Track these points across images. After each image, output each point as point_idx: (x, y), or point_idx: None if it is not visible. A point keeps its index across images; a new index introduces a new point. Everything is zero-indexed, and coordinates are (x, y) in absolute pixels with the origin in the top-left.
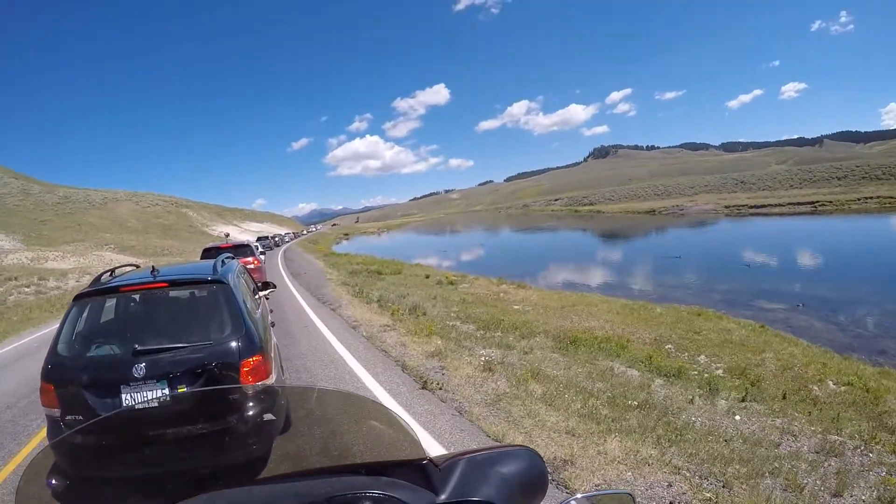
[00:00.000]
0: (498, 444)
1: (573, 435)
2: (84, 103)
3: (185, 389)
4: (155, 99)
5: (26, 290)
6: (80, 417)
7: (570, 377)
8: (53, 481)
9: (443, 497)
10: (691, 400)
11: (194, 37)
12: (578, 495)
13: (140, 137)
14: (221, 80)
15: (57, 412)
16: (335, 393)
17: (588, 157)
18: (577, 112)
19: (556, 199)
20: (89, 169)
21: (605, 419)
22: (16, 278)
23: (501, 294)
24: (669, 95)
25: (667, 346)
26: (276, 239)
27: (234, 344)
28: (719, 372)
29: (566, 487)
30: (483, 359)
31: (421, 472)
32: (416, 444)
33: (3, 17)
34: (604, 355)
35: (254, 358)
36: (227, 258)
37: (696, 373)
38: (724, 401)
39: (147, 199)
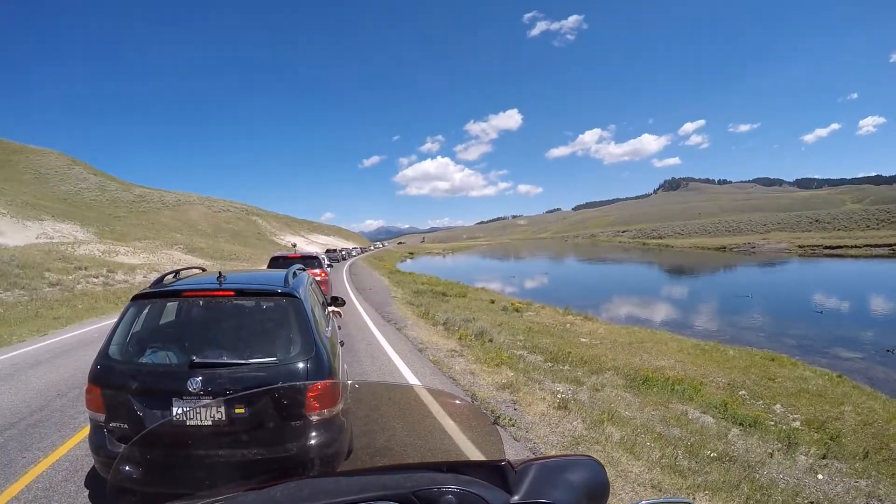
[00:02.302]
0: (565, 453)
1: (660, 490)
2: (166, 110)
3: (242, 411)
4: (232, 109)
5: (94, 280)
6: (126, 426)
7: (644, 420)
8: (141, 467)
9: (516, 498)
10: (771, 454)
11: (275, 53)
12: (641, 502)
13: (216, 145)
14: (300, 96)
15: (101, 417)
16: (424, 389)
17: (658, 188)
18: (649, 142)
19: (624, 231)
20: (165, 171)
21: (687, 472)
22: (86, 268)
23: (568, 325)
24: (743, 128)
25: (740, 392)
26: (343, 253)
27: (301, 365)
28: (796, 424)
29: None
30: (559, 396)
31: (499, 472)
32: (497, 444)
33: (89, 26)
34: (677, 398)
35: (322, 382)
36: (298, 269)
37: (772, 423)
38: (803, 456)
39: (218, 204)
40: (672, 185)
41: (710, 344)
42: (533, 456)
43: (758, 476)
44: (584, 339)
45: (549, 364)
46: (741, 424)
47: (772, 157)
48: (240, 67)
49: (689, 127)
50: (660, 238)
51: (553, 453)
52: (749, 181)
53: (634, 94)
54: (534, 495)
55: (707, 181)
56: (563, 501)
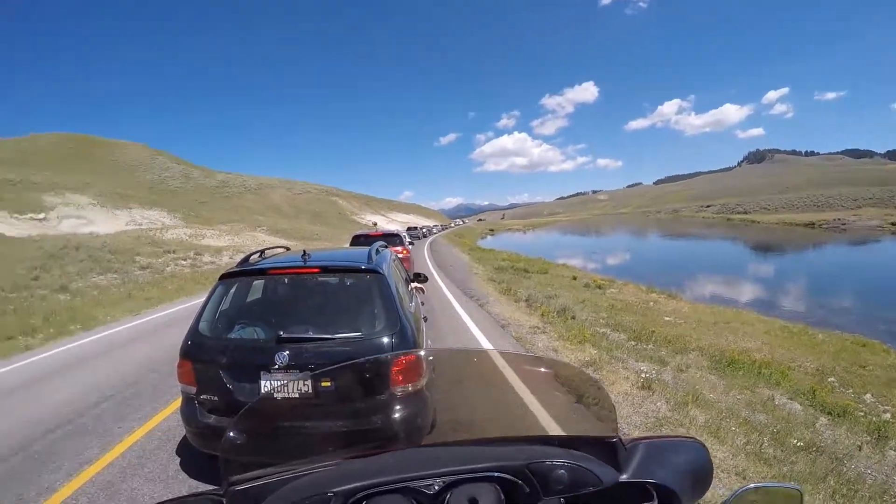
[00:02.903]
0: (670, 433)
1: (744, 478)
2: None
3: (328, 384)
4: (307, 91)
5: (182, 262)
6: (216, 399)
7: (729, 404)
8: (253, 436)
9: (625, 476)
10: (859, 447)
11: (347, 32)
12: (751, 485)
13: (294, 129)
14: (374, 75)
15: (192, 390)
16: (538, 359)
17: (742, 161)
18: (731, 112)
19: (707, 206)
20: (246, 157)
21: (773, 460)
22: (174, 251)
23: (651, 303)
24: (830, 96)
25: (829, 379)
26: (424, 230)
27: (386, 340)
28: (887, 416)
29: None
30: (643, 375)
31: (610, 449)
32: (611, 419)
33: (167, 21)
34: (763, 382)
35: (406, 357)
36: (381, 246)
37: (862, 414)
38: (893, 451)
39: (299, 186)
40: (756, 157)
41: (798, 326)
42: (639, 434)
43: (845, 469)
44: (667, 318)
45: (633, 342)
46: (829, 413)
47: (861, 127)
48: (316, 52)
49: (772, 95)
50: (744, 213)
51: (658, 433)
52: (837, 152)
53: (714, 62)
54: (643, 474)
55: (793, 153)
56: (670, 483)
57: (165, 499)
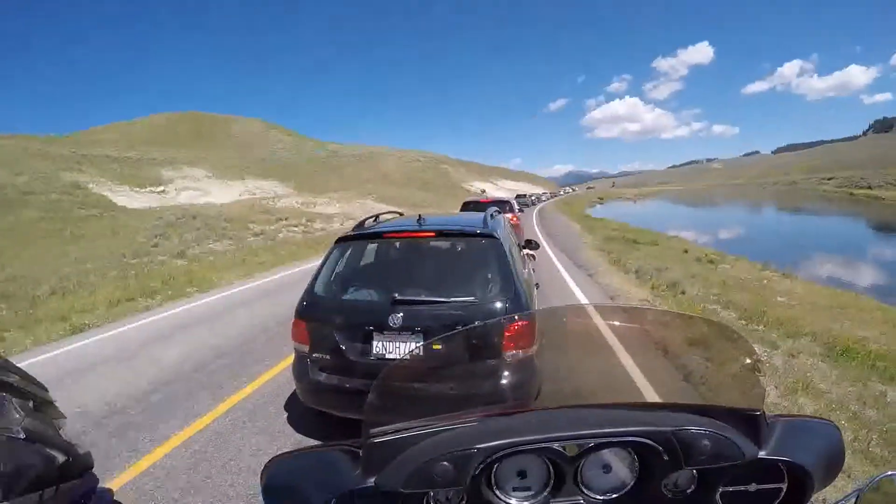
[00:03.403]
0: (806, 414)
1: (848, 476)
2: (354, 70)
3: (439, 347)
4: (417, 60)
5: (294, 229)
6: (327, 357)
7: (840, 396)
8: (389, 396)
9: (764, 452)
10: None
11: (456, 4)
12: (889, 472)
13: (404, 98)
14: (480, 41)
15: (305, 348)
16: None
17: (868, 130)
18: (857, 75)
19: (829, 179)
20: (357, 128)
21: (879, 460)
22: (286, 219)
23: (765, 281)
24: None
25: None
26: (533, 198)
27: (500, 305)
28: None
29: None
30: (755, 358)
31: (752, 423)
32: (758, 389)
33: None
34: (877, 376)
35: (520, 322)
36: (495, 212)
37: None
38: None
39: (409, 155)
40: (884, 126)
41: None
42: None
43: None
44: (780, 299)
45: (743, 322)
46: None
47: None
48: (420, 19)
49: None
50: (868, 188)
51: (794, 413)
52: None
53: (838, 16)
54: (780, 453)
55: None
56: (807, 464)
57: (297, 448)
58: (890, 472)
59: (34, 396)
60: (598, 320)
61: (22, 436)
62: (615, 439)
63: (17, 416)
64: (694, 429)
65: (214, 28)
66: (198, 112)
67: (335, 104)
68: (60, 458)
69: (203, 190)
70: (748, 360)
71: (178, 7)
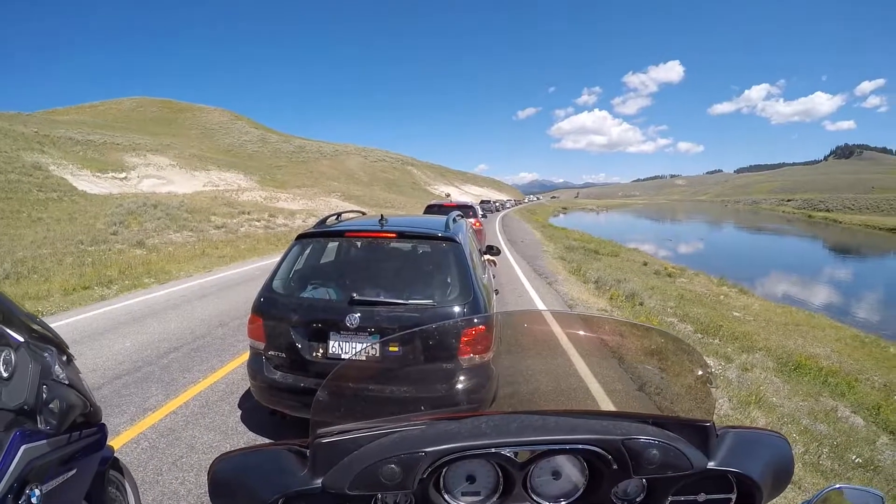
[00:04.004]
0: (755, 426)
1: (799, 487)
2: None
3: (396, 349)
4: (388, 60)
5: (256, 223)
6: (283, 355)
7: (792, 410)
8: (340, 396)
9: (713, 463)
10: None
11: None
12: (835, 485)
13: (371, 97)
14: (453, 45)
15: (261, 346)
16: (641, 327)
17: (829, 155)
18: (822, 101)
19: (788, 200)
20: (324, 125)
21: (829, 473)
22: (249, 213)
23: (721, 296)
24: None
25: None
26: (497, 204)
27: (458, 309)
28: None
29: None
30: (708, 370)
31: (703, 434)
32: (709, 401)
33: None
34: (828, 391)
35: (477, 328)
36: (458, 216)
37: None
38: None
39: (374, 154)
40: (844, 153)
41: (870, 337)
42: (726, 423)
43: None
44: (736, 314)
45: (699, 335)
46: (892, 433)
47: None
48: (393, 19)
49: (866, 86)
50: (827, 211)
51: (744, 424)
52: None
53: (807, 47)
54: (729, 463)
55: (884, 150)
56: (754, 474)
57: (245, 446)
58: (837, 485)
59: (65, 351)
60: (555, 327)
61: (66, 381)
62: (563, 447)
63: (59, 366)
64: (643, 438)
65: (185, 14)
66: (166, 99)
67: (304, 99)
68: (88, 405)
69: (166, 179)
70: (700, 373)
71: None
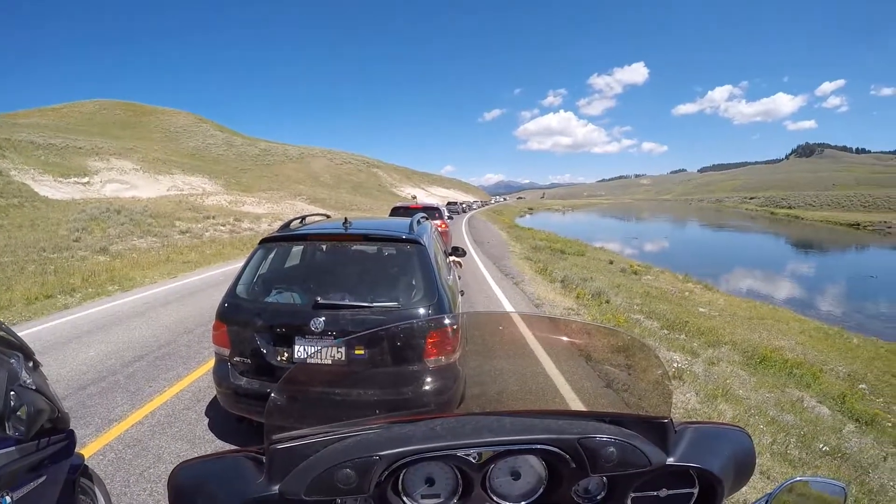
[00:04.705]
0: (716, 420)
1: (768, 477)
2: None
3: (362, 352)
4: (353, 61)
5: (221, 228)
6: (248, 361)
7: (758, 402)
8: (296, 399)
9: (672, 459)
10: (885, 458)
11: (393, 3)
12: (797, 477)
13: (339, 99)
14: (420, 47)
15: (226, 352)
16: (600, 328)
17: (790, 154)
18: (784, 102)
19: (751, 198)
20: (288, 126)
21: (797, 462)
22: (213, 217)
23: (687, 293)
24: (887, 91)
25: (860, 386)
26: (464, 206)
27: (423, 311)
28: None
29: None
30: (674, 366)
31: (661, 430)
32: (666, 398)
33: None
34: (794, 382)
35: (442, 329)
36: (422, 218)
37: (890, 425)
38: None
39: (340, 156)
40: (805, 151)
41: (833, 329)
42: (687, 419)
43: (868, 479)
44: (702, 309)
45: (666, 331)
46: (857, 421)
47: None
48: (359, 20)
49: (827, 87)
50: (789, 208)
51: (705, 419)
52: (890, 152)
53: (769, 48)
54: (689, 459)
55: (843, 149)
56: (715, 469)
57: (205, 454)
58: (800, 477)
59: (31, 357)
60: (523, 328)
61: (33, 387)
62: (519, 447)
63: (26, 372)
64: (600, 437)
65: (150, 17)
66: (129, 102)
67: (270, 102)
68: (56, 411)
69: (130, 183)
70: (658, 371)
71: None
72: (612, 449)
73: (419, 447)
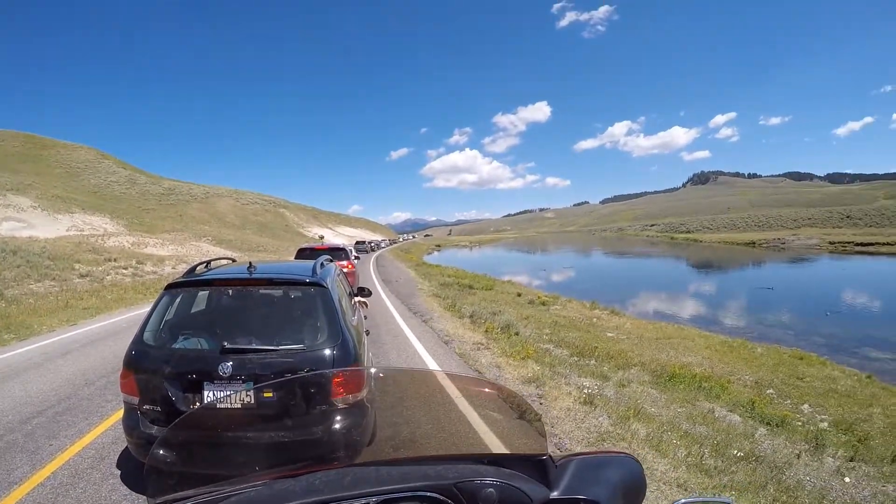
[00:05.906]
0: (603, 448)
1: (686, 489)
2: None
3: (271, 395)
4: (257, 99)
5: (124, 271)
6: (158, 409)
7: (670, 417)
8: (175, 450)
9: (556, 493)
10: (798, 455)
11: (299, 41)
12: (681, 500)
13: (244, 139)
14: (325, 87)
15: (135, 400)
16: (452, 377)
17: (687, 182)
18: (679, 135)
19: (651, 225)
20: (193, 165)
21: (714, 471)
22: (115, 260)
23: (594, 319)
24: (774, 121)
25: (768, 391)
26: (372, 244)
27: (328, 352)
28: (824, 425)
29: None
30: (585, 391)
31: (540, 467)
32: (539, 437)
33: (112, 26)
34: (704, 395)
35: (348, 369)
36: (326, 260)
37: (800, 424)
38: (831, 458)
39: (246, 196)
40: (701, 179)
41: (738, 341)
42: (571, 451)
43: (784, 477)
44: (610, 334)
45: (576, 358)
46: (768, 424)
47: (803, 151)
48: (265, 61)
49: (719, 119)
50: (688, 232)
51: (592, 448)
52: (779, 175)
53: (665, 86)
54: (573, 491)
55: (737, 175)
56: (602, 498)
57: None
58: (681, 500)
59: None
60: (440, 381)
61: None
62: (398, 495)
63: None
64: (478, 480)
65: (48, 44)
66: (30, 134)
67: (174, 139)
68: None
69: (27, 222)
70: (531, 413)
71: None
72: (490, 490)
73: (300, 502)
